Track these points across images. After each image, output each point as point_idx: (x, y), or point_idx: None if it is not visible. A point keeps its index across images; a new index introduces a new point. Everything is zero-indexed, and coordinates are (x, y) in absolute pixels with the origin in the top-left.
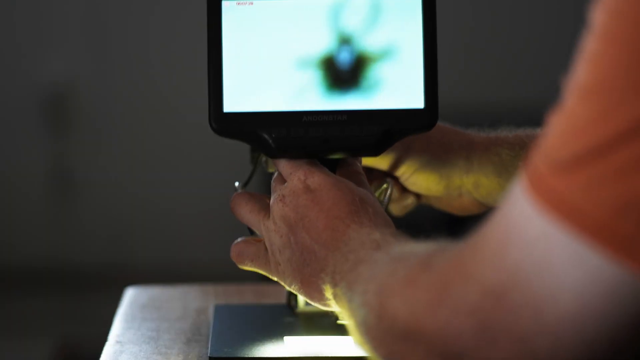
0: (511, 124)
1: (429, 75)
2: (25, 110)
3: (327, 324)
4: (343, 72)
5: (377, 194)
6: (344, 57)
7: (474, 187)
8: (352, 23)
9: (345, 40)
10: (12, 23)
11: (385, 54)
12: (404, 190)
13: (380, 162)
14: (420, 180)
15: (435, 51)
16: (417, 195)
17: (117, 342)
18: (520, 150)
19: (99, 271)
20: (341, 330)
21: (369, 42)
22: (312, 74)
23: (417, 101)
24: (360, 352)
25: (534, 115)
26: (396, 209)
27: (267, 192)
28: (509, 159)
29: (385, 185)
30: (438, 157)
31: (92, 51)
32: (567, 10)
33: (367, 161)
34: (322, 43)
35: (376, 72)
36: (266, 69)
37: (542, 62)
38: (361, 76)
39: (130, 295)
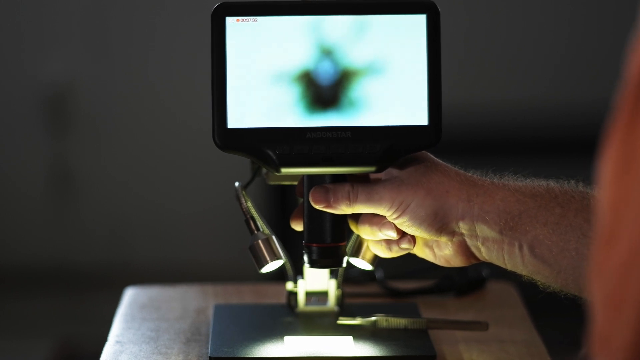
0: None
1: (433, 93)
2: (25, 110)
3: (327, 324)
4: (347, 89)
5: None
6: (348, 74)
7: (469, 233)
8: (355, 41)
9: (349, 57)
10: (13, 23)
11: (390, 71)
12: (403, 232)
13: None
14: (413, 219)
15: (439, 69)
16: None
17: (117, 342)
18: (529, 200)
19: (99, 271)
20: (341, 330)
21: (374, 60)
22: (316, 90)
23: (421, 118)
24: (360, 352)
25: (533, 115)
26: (392, 249)
27: (266, 195)
28: (516, 206)
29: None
30: (436, 196)
31: (92, 51)
32: (565, 10)
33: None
34: (325, 58)
35: (381, 89)
36: (270, 85)
37: (541, 62)
38: (366, 93)
39: (130, 295)
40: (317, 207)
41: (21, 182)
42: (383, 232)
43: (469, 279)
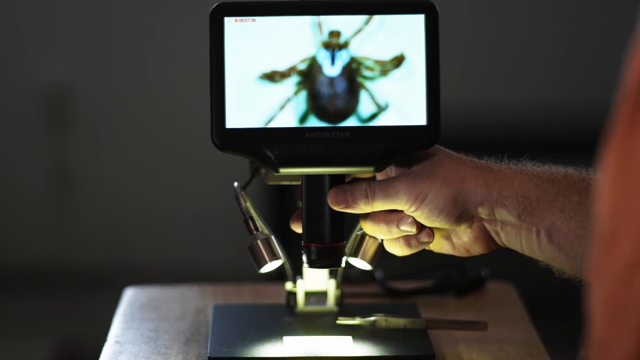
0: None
1: (431, 93)
2: (25, 110)
3: (326, 324)
4: (346, 88)
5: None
6: (347, 74)
7: (488, 218)
8: (354, 41)
9: (348, 57)
10: (13, 23)
11: (388, 71)
12: (421, 226)
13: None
14: (432, 209)
15: (437, 69)
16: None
17: (117, 342)
18: (547, 185)
19: (99, 271)
20: (340, 330)
21: (373, 60)
22: (315, 89)
23: (419, 118)
24: (359, 352)
25: (533, 116)
26: (411, 245)
27: (266, 196)
28: (534, 192)
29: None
30: (453, 184)
31: (92, 51)
32: (564, 11)
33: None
34: (325, 59)
35: (379, 89)
36: (268, 85)
37: (540, 63)
38: (364, 92)
39: (129, 296)
40: (337, 208)
41: (21, 182)
42: (401, 227)
43: (468, 279)
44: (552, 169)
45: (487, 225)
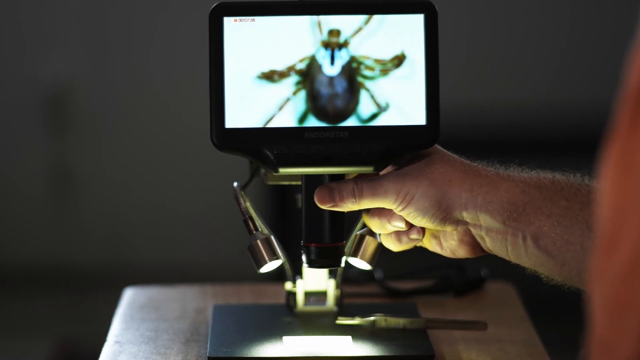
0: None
1: (430, 92)
2: (25, 110)
3: (326, 324)
4: (346, 88)
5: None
6: (347, 73)
7: (473, 222)
8: (354, 41)
9: (348, 57)
10: (13, 23)
11: (388, 70)
12: (410, 223)
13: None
14: (418, 209)
15: (437, 69)
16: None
17: (116, 342)
18: (534, 191)
19: (99, 271)
20: (340, 330)
21: (372, 59)
22: (314, 89)
23: (419, 118)
24: (359, 352)
25: (532, 116)
26: (402, 241)
27: (265, 196)
28: (521, 198)
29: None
30: (439, 186)
31: (92, 51)
32: (564, 11)
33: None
34: (325, 59)
35: (379, 89)
36: (268, 85)
37: (540, 63)
38: (364, 92)
39: (129, 296)
40: (324, 207)
41: (21, 182)
42: (392, 224)
43: (467, 279)
44: (539, 175)
45: (472, 229)
